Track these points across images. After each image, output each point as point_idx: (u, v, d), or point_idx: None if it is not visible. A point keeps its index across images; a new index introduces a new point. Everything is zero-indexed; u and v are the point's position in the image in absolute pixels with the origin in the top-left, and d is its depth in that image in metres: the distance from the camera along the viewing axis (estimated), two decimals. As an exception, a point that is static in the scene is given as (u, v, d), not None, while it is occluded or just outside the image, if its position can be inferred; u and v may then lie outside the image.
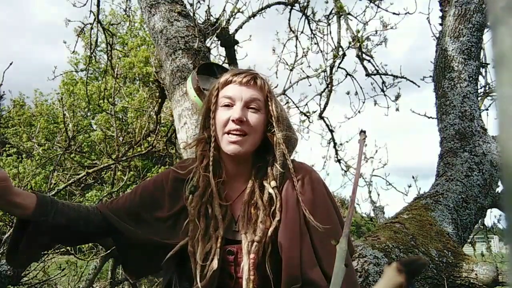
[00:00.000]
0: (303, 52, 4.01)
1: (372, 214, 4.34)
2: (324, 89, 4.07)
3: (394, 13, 3.65)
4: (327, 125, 4.33)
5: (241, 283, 0.99)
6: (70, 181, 3.79)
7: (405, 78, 3.79)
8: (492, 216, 4.62)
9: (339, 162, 4.44)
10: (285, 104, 4.06)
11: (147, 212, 1.11)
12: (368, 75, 3.83)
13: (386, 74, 3.83)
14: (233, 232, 1.05)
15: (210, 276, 0.97)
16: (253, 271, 0.96)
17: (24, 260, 1.01)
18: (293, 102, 4.12)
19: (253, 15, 3.35)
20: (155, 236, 1.08)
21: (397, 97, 3.96)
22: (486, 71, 3.52)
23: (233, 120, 1.03)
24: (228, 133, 1.04)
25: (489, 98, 3.57)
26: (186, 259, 1.04)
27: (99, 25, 3.58)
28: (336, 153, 4.44)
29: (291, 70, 3.98)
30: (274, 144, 1.06)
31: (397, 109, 4.05)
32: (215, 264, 0.98)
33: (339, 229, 1.03)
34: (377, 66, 3.79)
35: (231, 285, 1.03)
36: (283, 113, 1.10)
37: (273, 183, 1.04)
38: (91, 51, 3.82)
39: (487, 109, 3.49)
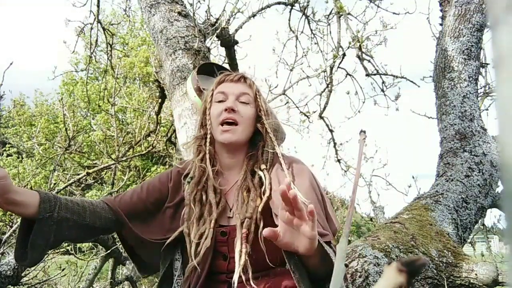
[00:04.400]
0: (303, 52, 4.01)
1: (372, 214, 4.34)
2: (324, 89, 4.07)
3: (394, 13, 3.66)
4: (327, 125, 4.33)
5: (234, 263, 1.02)
6: (70, 181, 3.79)
7: (405, 78, 3.79)
8: (492, 216, 4.61)
9: (339, 162, 4.44)
10: (285, 104, 4.07)
11: (153, 206, 1.18)
12: (368, 75, 3.83)
13: (386, 74, 3.83)
14: (228, 218, 1.12)
15: (204, 253, 1.03)
16: (245, 244, 1.00)
17: (32, 258, 1.01)
18: (293, 102, 4.12)
19: (253, 15, 3.35)
20: (155, 236, 1.14)
21: (397, 97, 3.97)
22: (486, 71, 3.52)
23: (226, 109, 1.13)
24: (222, 123, 1.13)
25: (489, 98, 3.57)
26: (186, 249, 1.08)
27: (99, 25, 3.58)
28: (336, 153, 4.45)
29: (291, 70, 3.98)
30: (263, 132, 1.16)
31: (397, 109, 4.06)
32: (208, 242, 1.03)
33: (321, 206, 1.08)
34: (377, 66, 3.79)
35: (225, 265, 1.08)
36: (271, 110, 1.23)
37: (262, 166, 1.13)
38: (91, 51, 3.82)
39: (487, 109, 3.49)
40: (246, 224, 1.03)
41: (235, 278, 0.97)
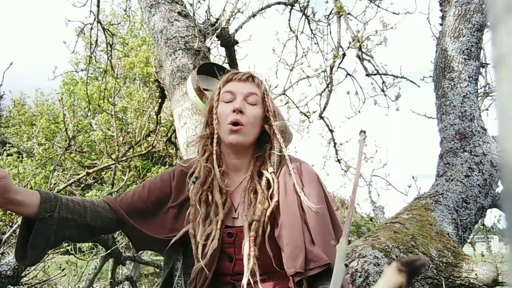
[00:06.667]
0: (303, 52, 4.01)
1: (372, 214, 4.34)
2: (324, 89, 4.07)
3: (394, 13, 3.66)
4: (327, 125, 4.33)
5: (240, 265, 1.02)
6: (70, 181, 3.79)
7: (405, 78, 3.79)
8: (492, 216, 4.62)
9: (339, 162, 4.44)
10: (285, 104, 4.06)
11: (154, 205, 1.16)
12: (368, 75, 3.83)
13: (386, 74, 3.83)
14: (233, 219, 1.11)
15: (211, 255, 1.02)
16: (253, 247, 1.00)
17: (33, 258, 1.01)
18: (293, 102, 4.12)
19: (253, 15, 3.35)
20: (159, 234, 1.13)
21: (397, 97, 3.97)
22: (486, 71, 3.52)
23: (234, 110, 1.10)
24: (229, 124, 1.11)
25: (489, 98, 3.57)
26: (190, 249, 1.07)
27: (99, 25, 3.58)
28: (336, 153, 4.45)
29: (291, 70, 3.97)
30: (271, 134, 1.14)
31: (397, 109, 4.06)
32: (215, 243, 1.02)
33: (328, 215, 1.08)
34: (377, 66, 3.79)
35: (230, 267, 1.07)
36: (279, 110, 1.20)
37: (270, 169, 1.11)
38: (91, 51, 3.82)
39: (487, 109, 3.49)
40: (254, 227, 1.02)
41: (244, 282, 0.97)
